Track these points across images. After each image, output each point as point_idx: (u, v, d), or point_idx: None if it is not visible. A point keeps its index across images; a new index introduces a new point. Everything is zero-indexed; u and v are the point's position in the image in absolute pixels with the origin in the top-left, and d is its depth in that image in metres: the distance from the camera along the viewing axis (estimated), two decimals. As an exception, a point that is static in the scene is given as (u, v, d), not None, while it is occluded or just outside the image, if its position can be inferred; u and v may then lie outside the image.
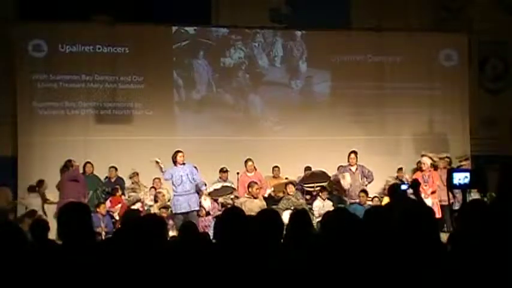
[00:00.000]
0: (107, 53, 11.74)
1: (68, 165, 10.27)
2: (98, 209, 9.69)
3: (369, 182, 10.55)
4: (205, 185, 10.08)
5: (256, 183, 10.03)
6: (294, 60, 12.45)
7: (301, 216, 3.95)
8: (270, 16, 12.45)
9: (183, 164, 9.51)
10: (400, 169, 11.51)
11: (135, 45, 11.79)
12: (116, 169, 10.99)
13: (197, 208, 9.56)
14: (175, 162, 9.50)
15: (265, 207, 9.19)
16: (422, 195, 9.03)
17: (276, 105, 12.34)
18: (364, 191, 10.03)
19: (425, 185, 9.71)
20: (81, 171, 10.64)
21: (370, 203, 10.13)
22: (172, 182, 9.49)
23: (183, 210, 9.35)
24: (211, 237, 5.10)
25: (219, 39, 12.21)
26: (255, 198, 9.78)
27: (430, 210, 4.12)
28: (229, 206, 9.43)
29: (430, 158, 9.98)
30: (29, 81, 11.38)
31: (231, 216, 3.48)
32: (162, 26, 12.00)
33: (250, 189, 9.88)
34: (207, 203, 9.91)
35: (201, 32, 12.17)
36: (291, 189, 10.14)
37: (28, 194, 10.48)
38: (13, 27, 11.36)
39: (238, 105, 12.26)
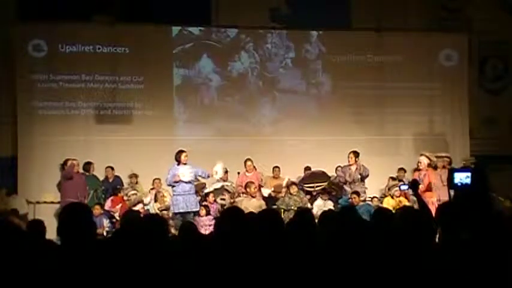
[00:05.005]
0: (107, 53, 11.74)
1: (64, 164, 10.13)
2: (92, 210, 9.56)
3: (364, 177, 10.33)
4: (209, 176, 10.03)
5: (253, 183, 10.02)
6: (310, 63, 12.45)
7: (305, 215, 3.96)
8: (270, 16, 12.44)
9: (185, 164, 9.47)
10: (400, 169, 11.49)
11: (135, 45, 11.79)
12: (113, 169, 10.97)
13: (195, 209, 9.50)
14: (178, 162, 9.45)
15: (264, 207, 9.18)
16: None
17: (277, 106, 12.35)
18: (356, 193, 9.91)
19: (421, 184, 9.67)
20: (81, 170, 10.57)
21: (370, 203, 10.11)
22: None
23: (181, 210, 9.30)
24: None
25: (226, 41, 12.20)
26: (252, 197, 9.78)
27: (428, 210, 4.13)
28: (226, 205, 9.42)
29: (427, 157, 9.94)
30: (29, 81, 11.38)
31: (230, 216, 3.48)
32: (162, 26, 12.00)
33: (247, 189, 9.88)
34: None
35: (206, 33, 12.15)
36: (294, 189, 10.12)
37: (7, 197, 10.52)
38: (13, 27, 11.36)
39: (240, 110, 12.25)
